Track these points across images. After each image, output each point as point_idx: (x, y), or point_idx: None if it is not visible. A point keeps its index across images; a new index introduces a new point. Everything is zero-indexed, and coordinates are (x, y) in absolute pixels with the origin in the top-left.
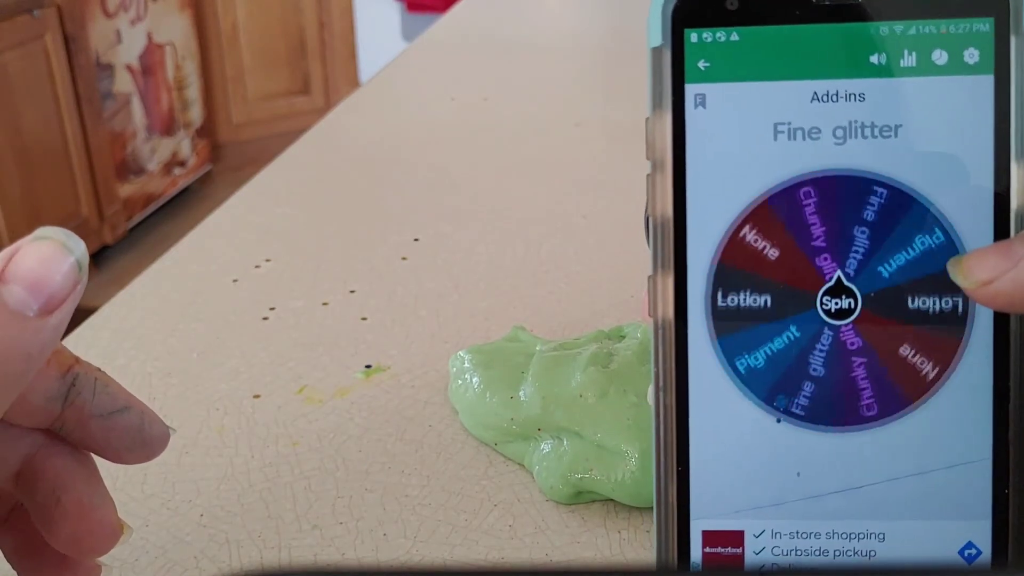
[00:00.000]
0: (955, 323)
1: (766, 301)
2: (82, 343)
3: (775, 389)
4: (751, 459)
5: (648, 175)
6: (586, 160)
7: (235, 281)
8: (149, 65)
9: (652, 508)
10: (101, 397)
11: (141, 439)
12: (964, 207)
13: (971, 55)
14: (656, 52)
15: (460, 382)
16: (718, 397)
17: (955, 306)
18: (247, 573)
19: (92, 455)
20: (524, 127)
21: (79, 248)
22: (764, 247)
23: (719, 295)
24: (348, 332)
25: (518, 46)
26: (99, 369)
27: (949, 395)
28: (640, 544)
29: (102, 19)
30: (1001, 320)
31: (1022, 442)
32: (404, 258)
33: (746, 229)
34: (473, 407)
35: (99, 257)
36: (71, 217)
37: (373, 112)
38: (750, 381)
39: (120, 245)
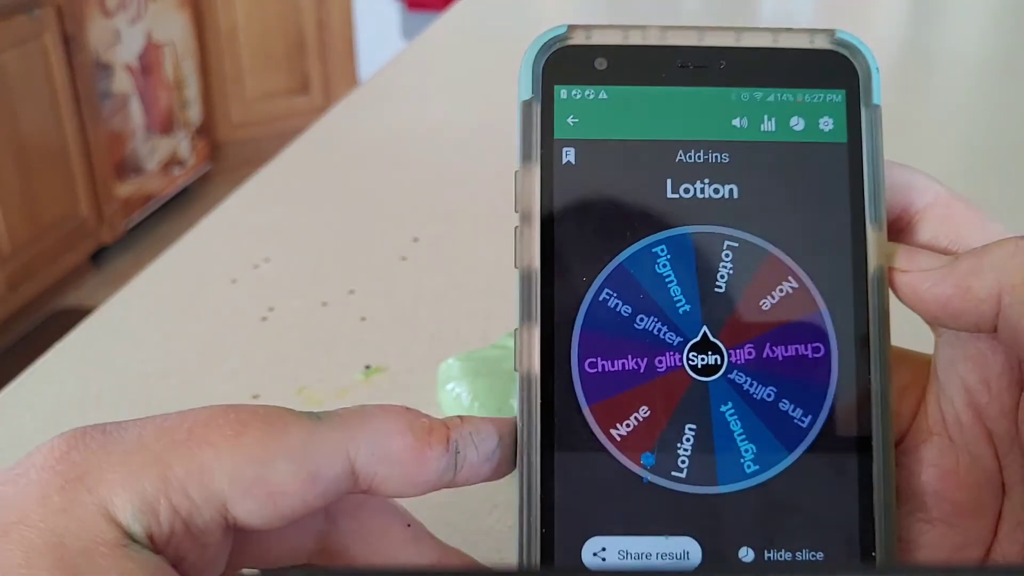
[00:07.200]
0: (821, 370)
1: (632, 358)
2: (80, 344)
3: (643, 447)
4: (619, 520)
5: (516, 227)
6: None
7: (234, 281)
8: (148, 64)
9: None
10: (484, 442)
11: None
12: (825, 265)
13: (826, 123)
14: (526, 105)
15: (449, 389)
16: (584, 455)
17: (818, 353)
18: (247, 573)
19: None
20: None
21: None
22: (629, 304)
23: (584, 351)
24: (347, 332)
25: (518, 44)
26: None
27: (822, 444)
28: None
29: (101, 19)
30: (863, 364)
31: (888, 512)
32: (404, 258)
33: (610, 285)
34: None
35: (98, 257)
36: (70, 217)
37: (372, 111)
38: (617, 439)
39: (119, 245)
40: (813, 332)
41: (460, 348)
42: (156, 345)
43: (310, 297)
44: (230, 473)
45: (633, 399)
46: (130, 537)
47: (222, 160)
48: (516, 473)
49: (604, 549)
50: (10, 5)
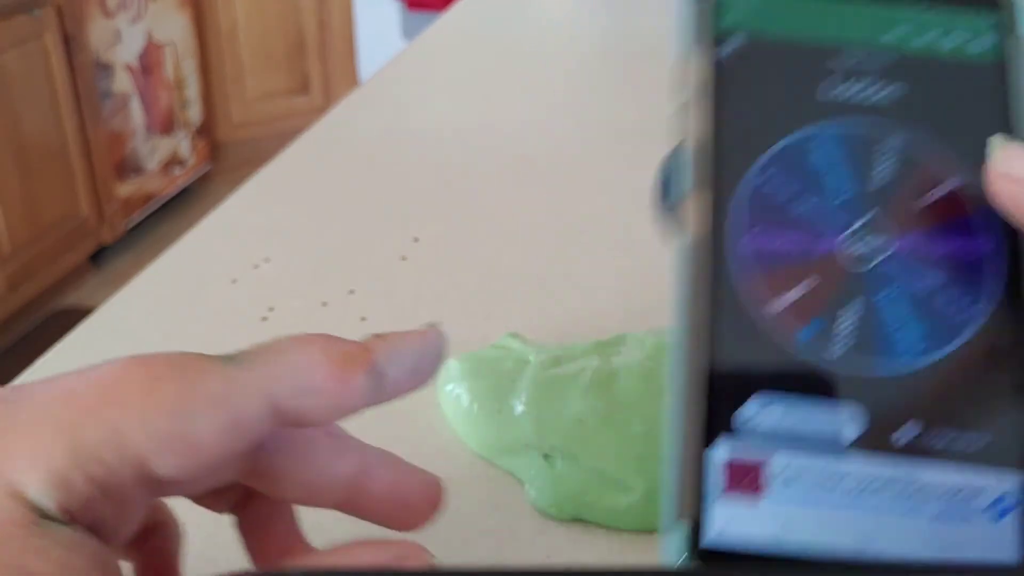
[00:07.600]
0: (982, 266)
1: (792, 237)
2: (80, 344)
3: (799, 324)
4: (775, 395)
5: (681, 106)
6: (587, 160)
7: (234, 281)
8: (148, 64)
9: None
10: (405, 358)
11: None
12: (984, 170)
13: (979, 43)
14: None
15: (448, 390)
16: (741, 325)
17: (979, 251)
18: (246, 574)
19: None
20: (524, 127)
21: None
22: (790, 186)
23: (745, 226)
24: (347, 333)
25: (519, 44)
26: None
27: (984, 335)
28: (641, 546)
29: (101, 19)
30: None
31: None
32: (404, 258)
33: (773, 166)
34: (461, 417)
35: (98, 257)
36: (70, 217)
37: (373, 111)
38: (777, 314)
39: (119, 245)
40: (976, 229)
41: (460, 348)
42: (156, 345)
43: (310, 297)
44: (146, 432)
45: (790, 276)
46: (42, 514)
47: (222, 160)
48: (676, 339)
49: (760, 422)
50: (10, 5)
